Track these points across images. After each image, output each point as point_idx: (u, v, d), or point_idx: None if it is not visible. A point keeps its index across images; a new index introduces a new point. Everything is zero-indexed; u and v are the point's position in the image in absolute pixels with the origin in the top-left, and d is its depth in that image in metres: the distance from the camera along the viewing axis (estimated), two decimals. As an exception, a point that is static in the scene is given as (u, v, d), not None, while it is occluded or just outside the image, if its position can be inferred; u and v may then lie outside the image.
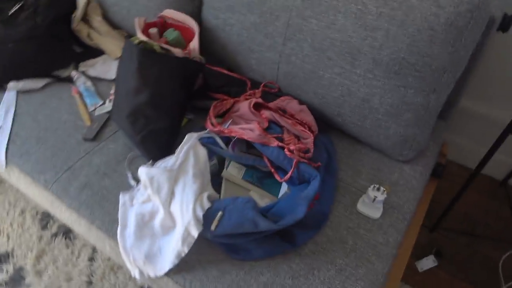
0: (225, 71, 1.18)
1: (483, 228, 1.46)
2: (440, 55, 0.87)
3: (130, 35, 1.47)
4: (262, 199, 0.93)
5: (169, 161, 0.91)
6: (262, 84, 1.17)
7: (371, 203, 0.94)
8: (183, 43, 1.21)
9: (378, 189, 0.93)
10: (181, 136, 1.05)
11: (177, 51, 1.13)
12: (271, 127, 0.99)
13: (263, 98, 1.13)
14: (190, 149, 0.93)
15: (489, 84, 1.43)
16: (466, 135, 1.60)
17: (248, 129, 0.95)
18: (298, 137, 1.01)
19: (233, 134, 0.95)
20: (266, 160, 0.94)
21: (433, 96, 0.94)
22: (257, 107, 1.06)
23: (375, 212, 0.94)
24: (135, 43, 0.99)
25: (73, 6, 1.40)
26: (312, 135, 0.99)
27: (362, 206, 0.95)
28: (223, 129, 0.97)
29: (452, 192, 1.55)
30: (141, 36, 1.15)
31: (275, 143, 0.92)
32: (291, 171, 0.88)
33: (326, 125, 1.13)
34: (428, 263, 1.35)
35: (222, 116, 1.12)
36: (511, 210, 1.49)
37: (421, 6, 0.84)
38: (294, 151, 0.91)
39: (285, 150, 0.91)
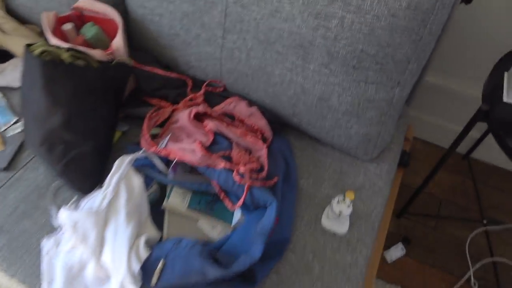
0: (160, 71, 1.00)
1: (449, 208, 1.43)
2: (403, 44, 0.74)
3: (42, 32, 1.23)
4: (214, 228, 0.80)
5: (96, 199, 0.75)
6: (204, 84, 1.00)
7: (337, 218, 0.83)
8: (105, 41, 1.01)
9: (344, 200, 0.83)
10: (114, 154, 0.89)
11: (97, 53, 0.93)
12: (217, 141, 0.85)
13: (207, 100, 0.98)
14: (121, 180, 0.77)
15: (451, 57, 1.34)
16: (426, 110, 1.53)
17: (189, 149, 0.80)
18: (249, 151, 0.87)
19: (171, 157, 0.79)
20: (214, 184, 0.80)
21: (397, 90, 0.82)
22: (200, 115, 0.90)
23: (341, 227, 0.84)
24: (35, 54, 0.79)
25: (-35, 0, 1.14)
26: (265, 146, 0.86)
27: (327, 221, 0.85)
28: (159, 150, 0.82)
29: (418, 172, 1.50)
30: (50, 38, 0.94)
31: (221, 164, 0.78)
32: (242, 197, 0.75)
33: (281, 125, 1.00)
34: (396, 252, 1.30)
35: (162, 125, 0.96)
36: (474, 185, 1.46)
37: (379, -11, 0.70)
38: (245, 175, 0.77)
39: (234, 173, 0.77)
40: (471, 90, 1.38)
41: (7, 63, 1.14)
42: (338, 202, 0.83)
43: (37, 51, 0.79)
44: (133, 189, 0.77)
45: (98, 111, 0.85)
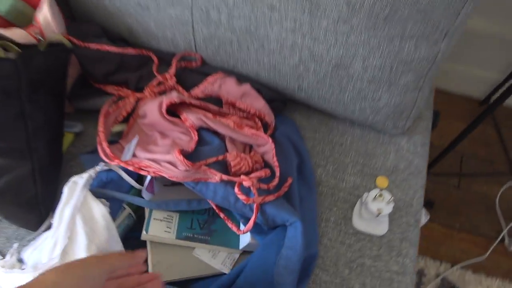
0: (112, 48, 0.74)
1: (472, 162, 1.27)
2: (458, -22, 0.51)
3: None
4: (215, 255, 0.60)
5: (44, 248, 0.53)
6: (175, 59, 0.75)
7: (373, 218, 0.65)
8: (28, 14, 0.73)
9: (382, 196, 0.64)
10: (67, 166, 0.67)
11: (18, 33, 0.66)
12: (204, 140, 0.62)
13: (180, 82, 0.73)
14: (76, 213, 0.55)
15: None
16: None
17: (166, 162, 0.57)
18: (249, 146, 0.66)
19: (143, 173, 0.57)
20: (210, 201, 0.59)
21: (443, 44, 0.60)
22: (176, 106, 0.67)
23: (379, 227, 0.66)
24: None
25: None
26: (270, 140, 0.64)
27: (360, 222, 0.67)
28: (125, 162, 0.59)
29: (438, 127, 1.32)
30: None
31: (216, 177, 0.56)
32: (251, 220, 0.55)
33: (284, 103, 0.77)
34: (420, 219, 1.15)
35: (127, 119, 0.72)
36: (498, 133, 1.29)
37: None
38: (252, 189, 0.56)
39: (236, 190, 0.56)
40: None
41: None
42: (374, 198, 0.64)
43: None
44: (95, 223, 0.55)
45: (29, 117, 0.61)
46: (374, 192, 0.64)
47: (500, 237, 1.12)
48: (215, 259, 0.61)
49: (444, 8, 0.54)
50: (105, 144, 0.62)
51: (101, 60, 0.74)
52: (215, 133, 0.64)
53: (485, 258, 1.09)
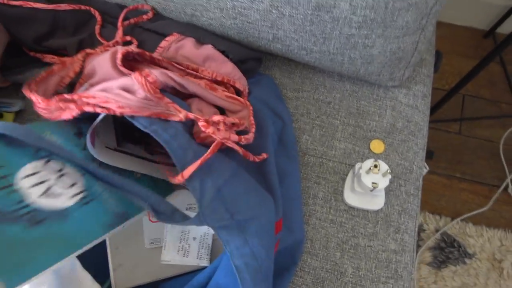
0: (40, 5, 0.59)
1: (474, 104, 1.16)
2: None
3: None
4: (186, 252, 0.51)
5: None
6: (124, 12, 0.60)
7: (368, 192, 0.55)
8: None
9: (377, 168, 0.54)
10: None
11: None
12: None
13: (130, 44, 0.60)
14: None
15: None
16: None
17: (118, 88, 0.44)
18: (222, 112, 0.54)
19: (89, 103, 0.43)
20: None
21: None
22: (131, 61, 0.53)
23: (375, 201, 0.57)
24: None
25: None
26: (248, 104, 0.52)
27: (353, 196, 0.57)
28: (60, 96, 0.45)
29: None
30: None
31: (181, 114, 0.43)
32: (199, 159, 0.41)
33: (258, 60, 0.64)
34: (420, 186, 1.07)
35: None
36: (504, 70, 1.17)
37: None
38: (221, 125, 0.44)
39: (202, 123, 0.43)
40: None
41: None
42: (369, 170, 0.54)
43: None
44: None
45: None
46: (368, 163, 0.53)
47: (504, 184, 1.05)
48: (188, 257, 0.52)
49: None
50: (33, 93, 0.47)
51: (28, 20, 0.59)
52: (180, 96, 0.52)
53: (487, 209, 1.03)
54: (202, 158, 0.39)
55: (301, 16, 0.52)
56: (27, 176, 0.37)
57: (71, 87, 0.56)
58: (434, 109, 1.08)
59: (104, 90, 0.44)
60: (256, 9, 0.53)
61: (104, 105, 0.41)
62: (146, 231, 0.52)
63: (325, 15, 0.51)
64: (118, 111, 0.40)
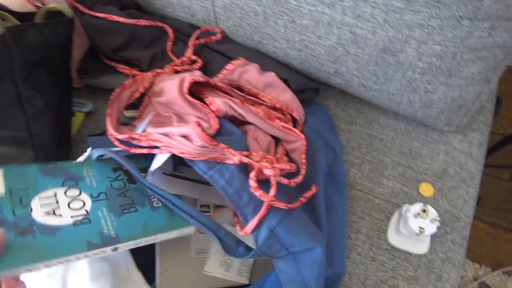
0: (122, 19, 0.64)
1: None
2: None
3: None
4: (228, 267, 0.54)
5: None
6: (194, 35, 0.65)
7: (413, 235, 0.55)
8: (26, -23, 0.64)
9: (426, 213, 0.53)
10: (77, 150, 0.62)
11: (16, 2, 0.58)
12: (224, 129, 0.53)
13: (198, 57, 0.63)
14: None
15: None
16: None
17: (178, 135, 0.48)
18: (277, 141, 0.56)
19: (151, 144, 0.48)
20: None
21: (527, 27, 0.46)
22: (197, 87, 0.57)
23: (419, 246, 0.56)
24: None
25: None
26: (302, 137, 0.54)
27: (397, 238, 0.57)
28: (130, 135, 0.50)
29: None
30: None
31: (235, 158, 0.47)
32: (256, 219, 0.45)
33: (316, 91, 0.66)
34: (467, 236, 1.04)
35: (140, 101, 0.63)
36: None
37: None
38: (272, 179, 0.46)
39: (252, 177, 0.46)
40: None
41: None
42: (417, 215, 0.53)
43: None
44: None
45: (26, 101, 0.54)
46: (417, 207, 0.53)
47: (555, 242, 0.99)
48: (230, 272, 0.54)
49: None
50: (109, 124, 0.53)
51: (109, 32, 0.65)
52: (237, 124, 0.55)
53: (533, 264, 0.98)
54: (259, 215, 0.43)
55: (366, 57, 0.53)
56: (44, 197, 0.44)
57: (139, 99, 0.61)
58: (488, 152, 1.04)
59: (166, 135, 0.48)
60: (323, 45, 0.55)
61: (167, 149, 0.45)
62: (193, 241, 0.54)
63: (390, 58, 0.52)
64: (181, 155, 0.44)
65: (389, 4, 0.46)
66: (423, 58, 0.50)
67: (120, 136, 0.49)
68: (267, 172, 0.46)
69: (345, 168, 0.62)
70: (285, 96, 0.57)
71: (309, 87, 0.63)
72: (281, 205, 0.45)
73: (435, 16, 0.45)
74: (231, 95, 0.57)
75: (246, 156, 0.48)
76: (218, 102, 0.53)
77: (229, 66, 0.60)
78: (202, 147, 0.45)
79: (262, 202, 0.44)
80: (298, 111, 0.58)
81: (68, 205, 0.44)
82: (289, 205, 0.46)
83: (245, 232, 0.44)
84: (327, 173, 0.59)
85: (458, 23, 0.45)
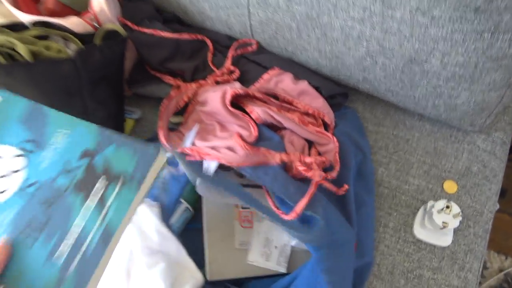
0: (167, 34, 0.71)
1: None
2: None
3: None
4: (268, 257, 0.60)
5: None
6: (232, 48, 0.71)
7: (437, 229, 0.60)
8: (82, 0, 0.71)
9: (449, 209, 0.58)
10: None
11: (75, 22, 0.66)
12: (263, 135, 0.59)
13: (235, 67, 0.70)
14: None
15: None
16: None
17: (225, 148, 0.55)
18: (310, 144, 0.62)
19: (202, 158, 0.55)
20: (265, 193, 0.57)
21: (546, 38, 0.49)
22: (237, 97, 0.63)
23: (443, 239, 0.61)
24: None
25: None
26: (335, 140, 0.59)
27: (422, 231, 0.62)
28: (183, 149, 0.58)
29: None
30: (13, 10, 0.67)
31: (276, 157, 0.53)
32: (307, 196, 0.50)
33: (345, 96, 0.71)
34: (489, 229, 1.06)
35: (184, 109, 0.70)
36: None
37: None
38: (314, 165, 0.53)
39: (298, 163, 0.53)
40: None
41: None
42: (440, 210, 0.58)
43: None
44: (146, 225, 0.56)
45: (92, 114, 0.61)
46: (441, 204, 0.58)
47: None
48: (269, 261, 0.60)
49: (556, -2, 0.44)
50: (162, 135, 0.61)
51: (155, 46, 0.72)
52: (275, 130, 0.61)
53: (559, 256, 1.00)
54: (308, 194, 0.49)
55: (393, 66, 0.58)
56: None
57: (184, 109, 0.68)
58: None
59: (214, 148, 0.55)
60: (352, 55, 0.60)
61: (218, 160, 0.52)
62: (237, 234, 0.61)
63: (415, 67, 0.57)
64: (228, 164, 0.51)
65: (415, 20, 0.51)
66: (447, 68, 0.55)
67: (175, 151, 0.56)
68: (308, 160, 0.53)
69: (373, 167, 0.67)
70: (317, 103, 0.63)
71: (339, 93, 0.68)
72: (329, 185, 0.52)
73: (458, 30, 0.50)
74: (268, 103, 0.63)
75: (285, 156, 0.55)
76: (257, 111, 0.59)
77: (265, 76, 0.66)
78: (245, 155, 0.52)
79: (306, 190, 0.51)
80: (329, 115, 0.63)
81: None
82: (335, 188, 0.52)
83: (295, 213, 0.49)
84: (357, 172, 0.64)
85: (480, 36, 0.49)
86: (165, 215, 0.58)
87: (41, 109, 0.40)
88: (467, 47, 0.51)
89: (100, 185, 0.37)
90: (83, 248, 0.35)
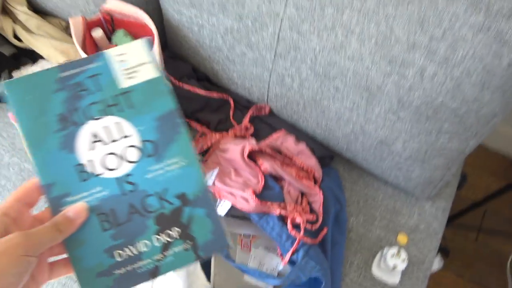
0: (201, 91, 0.91)
1: (494, 219, 1.37)
2: (492, 101, 0.64)
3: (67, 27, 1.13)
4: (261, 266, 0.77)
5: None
6: (250, 110, 0.91)
7: (390, 270, 0.79)
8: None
9: (399, 254, 0.78)
10: None
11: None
12: (268, 185, 0.78)
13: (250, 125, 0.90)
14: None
15: None
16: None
17: (240, 197, 0.74)
18: (301, 193, 0.81)
19: (221, 198, 0.74)
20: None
21: (472, 141, 0.72)
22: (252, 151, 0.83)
23: (393, 278, 0.80)
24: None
25: (-16, -7, 1.03)
26: (320, 192, 0.79)
27: (378, 271, 0.81)
28: (212, 188, 0.76)
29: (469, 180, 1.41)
30: (80, 51, 0.85)
31: (277, 210, 0.72)
32: (291, 250, 0.70)
33: (331, 159, 0.92)
34: (434, 264, 1.27)
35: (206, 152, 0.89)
36: (524, 196, 1.37)
37: (476, 41, 0.58)
38: (301, 225, 0.72)
39: (288, 223, 0.72)
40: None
41: (36, 65, 1.06)
42: (393, 255, 0.78)
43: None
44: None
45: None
46: (393, 250, 0.78)
47: (506, 294, 1.23)
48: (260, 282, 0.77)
49: (476, 118, 0.67)
50: None
51: (191, 99, 0.91)
52: (277, 181, 0.80)
53: (487, 311, 1.20)
54: (294, 247, 0.67)
55: (369, 144, 0.80)
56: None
57: (205, 152, 0.87)
58: (458, 214, 1.29)
59: (231, 193, 0.74)
60: (341, 131, 0.82)
61: (233, 204, 0.71)
62: (237, 255, 0.78)
63: (384, 147, 0.78)
64: (241, 209, 0.70)
65: (387, 116, 0.73)
66: (406, 150, 0.77)
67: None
68: (298, 220, 0.72)
69: (346, 216, 0.87)
70: (311, 161, 0.83)
71: (327, 156, 0.89)
72: (308, 240, 0.70)
73: (415, 127, 0.72)
74: (273, 157, 0.83)
75: (283, 208, 0.74)
76: (266, 165, 0.79)
77: (274, 135, 0.86)
78: (255, 206, 0.71)
79: (295, 238, 0.69)
80: (318, 172, 0.83)
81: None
82: (313, 240, 0.71)
83: (285, 262, 0.68)
84: (334, 218, 0.83)
85: (429, 133, 0.72)
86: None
87: (177, 122, 0.39)
88: (420, 139, 0.73)
89: (173, 233, 0.38)
90: (135, 265, 0.37)
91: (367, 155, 0.83)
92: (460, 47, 0.59)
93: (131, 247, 0.37)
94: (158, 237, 0.38)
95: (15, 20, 1.08)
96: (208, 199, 0.39)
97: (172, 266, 0.38)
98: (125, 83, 0.39)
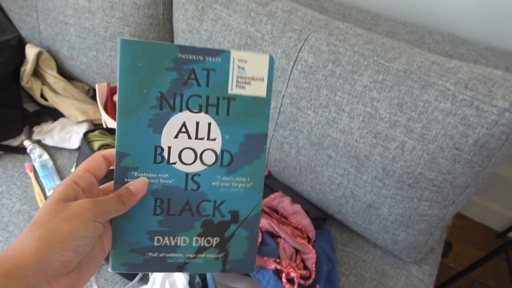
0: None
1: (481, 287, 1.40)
2: (464, 173, 0.73)
3: (92, 90, 1.26)
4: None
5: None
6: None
7: (379, 330, 0.83)
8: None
9: (387, 315, 0.82)
10: None
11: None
12: (265, 241, 0.85)
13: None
14: (165, 279, 0.78)
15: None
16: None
17: None
18: (297, 251, 0.87)
19: None
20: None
21: (451, 208, 0.81)
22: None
23: None
24: (94, 147, 0.80)
25: (22, 59, 1.17)
26: (314, 252, 0.85)
27: (368, 331, 0.84)
28: None
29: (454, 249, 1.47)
30: (104, 115, 0.96)
31: (272, 265, 0.78)
32: None
33: (324, 220, 1.00)
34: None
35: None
36: (508, 268, 1.43)
37: (446, 123, 0.69)
38: (296, 280, 0.77)
39: (283, 277, 0.77)
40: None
41: (56, 122, 1.17)
42: (381, 315, 0.82)
43: (96, 145, 0.81)
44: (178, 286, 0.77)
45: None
46: (382, 310, 0.82)
47: None
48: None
49: (452, 188, 0.76)
50: None
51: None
52: (274, 237, 0.87)
53: None
54: None
55: (358, 207, 0.88)
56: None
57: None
58: (446, 283, 1.33)
59: None
60: (333, 195, 0.90)
61: None
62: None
63: (372, 211, 0.86)
64: None
65: (374, 183, 0.82)
66: (392, 215, 0.85)
67: None
68: (293, 274, 0.77)
69: (338, 276, 0.92)
70: (305, 221, 0.91)
71: (320, 217, 0.96)
72: None
73: (399, 194, 0.81)
74: (270, 215, 0.91)
75: (278, 263, 0.80)
76: (263, 222, 0.86)
77: (272, 196, 0.94)
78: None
79: None
80: (312, 232, 0.90)
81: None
82: None
83: None
84: (326, 277, 0.89)
85: (412, 200, 0.81)
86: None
87: (262, 148, 0.40)
88: (404, 204, 0.82)
89: (212, 241, 0.41)
90: (168, 255, 0.40)
91: (357, 217, 0.91)
92: (433, 127, 0.70)
93: (171, 238, 0.39)
94: (198, 239, 0.40)
95: (43, 82, 1.21)
96: (254, 225, 0.41)
97: (199, 268, 0.40)
98: (235, 89, 0.39)
